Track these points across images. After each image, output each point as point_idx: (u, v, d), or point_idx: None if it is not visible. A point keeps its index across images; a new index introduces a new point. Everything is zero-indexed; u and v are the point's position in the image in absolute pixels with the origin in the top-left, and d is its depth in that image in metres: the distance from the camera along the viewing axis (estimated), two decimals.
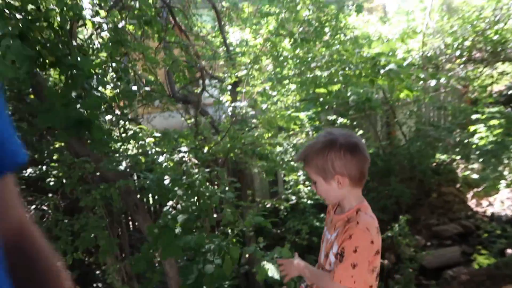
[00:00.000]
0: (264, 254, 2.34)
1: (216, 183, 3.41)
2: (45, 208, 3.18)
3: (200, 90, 4.22)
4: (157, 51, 4.54)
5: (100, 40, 2.56)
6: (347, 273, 1.49)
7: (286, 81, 4.89)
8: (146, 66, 3.81)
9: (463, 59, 8.52)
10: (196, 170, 2.80)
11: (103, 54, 2.73)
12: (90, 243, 2.92)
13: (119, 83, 2.81)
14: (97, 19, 2.42)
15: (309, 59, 5.58)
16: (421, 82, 7.90)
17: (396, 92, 4.21)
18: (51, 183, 3.20)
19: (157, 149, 2.99)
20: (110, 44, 2.51)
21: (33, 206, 3.15)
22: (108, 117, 3.49)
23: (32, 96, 3.67)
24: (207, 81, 5.65)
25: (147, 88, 3.00)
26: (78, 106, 2.16)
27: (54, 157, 3.40)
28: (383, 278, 5.52)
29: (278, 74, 5.46)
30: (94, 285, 4.75)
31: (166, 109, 4.50)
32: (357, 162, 1.56)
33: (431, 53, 8.45)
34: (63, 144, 3.65)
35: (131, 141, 3.30)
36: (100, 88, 2.39)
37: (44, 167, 3.22)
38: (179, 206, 2.63)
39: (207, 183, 2.80)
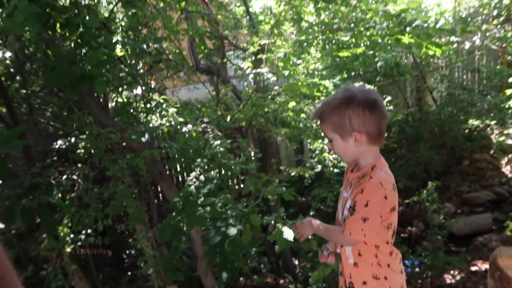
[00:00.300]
0: (285, 222, 2.36)
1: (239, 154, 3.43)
2: (75, 177, 3.32)
3: (221, 58, 4.19)
4: (179, 21, 4.53)
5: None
6: (357, 225, 1.49)
7: (310, 48, 4.78)
8: (168, 36, 3.81)
9: (501, 19, 8.02)
10: (219, 142, 2.82)
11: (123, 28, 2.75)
12: (119, 209, 3.04)
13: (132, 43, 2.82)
14: None
15: (333, 23, 5.41)
16: (454, 45, 7.56)
17: (423, 50, 4.03)
18: (80, 154, 3.33)
19: (180, 119, 3.03)
20: (120, 4, 2.52)
21: (64, 176, 3.30)
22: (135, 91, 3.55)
23: None
24: (231, 52, 5.61)
25: (156, 46, 2.98)
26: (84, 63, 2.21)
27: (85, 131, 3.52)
28: (411, 245, 5.50)
29: (302, 41, 5.34)
30: (127, 251, 4.99)
31: (191, 81, 4.52)
32: (376, 119, 1.50)
33: (466, 13, 8.01)
34: (90, 117, 3.76)
35: (156, 112, 3.36)
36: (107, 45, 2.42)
37: (73, 139, 3.34)
38: (202, 177, 2.68)
39: (230, 155, 2.82)
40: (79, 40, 2.22)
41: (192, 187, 2.40)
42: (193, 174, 2.61)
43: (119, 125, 2.97)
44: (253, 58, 4.77)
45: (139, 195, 3.85)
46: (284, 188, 2.49)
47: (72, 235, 3.31)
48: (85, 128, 3.24)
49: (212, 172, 2.62)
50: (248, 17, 5.41)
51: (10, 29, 1.90)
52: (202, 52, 4.77)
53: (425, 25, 3.91)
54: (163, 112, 3.13)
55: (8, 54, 3.44)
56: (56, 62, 2.24)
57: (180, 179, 5.94)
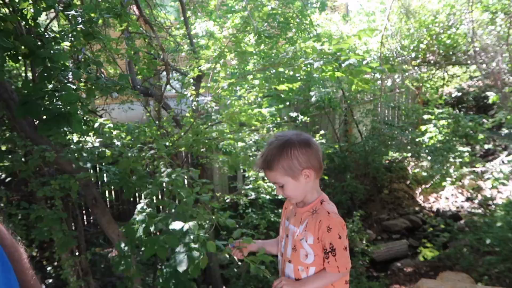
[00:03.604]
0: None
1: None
2: None
3: (164, 84, 4.16)
4: (119, 41, 4.43)
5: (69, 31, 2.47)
6: (344, 258, 1.62)
7: (250, 77, 4.92)
8: (109, 57, 3.72)
9: (418, 61, 8.88)
10: (169, 170, 2.75)
11: (66, 44, 2.64)
12: (46, 235, 2.82)
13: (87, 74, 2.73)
14: (72, 12, 2.37)
15: (273, 54, 5.63)
16: (378, 82, 8.22)
17: (354, 86, 4.39)
18: (2, 176, 3.07)
19: (125, 141, 2.94)
20: (82, 36, 2.45)
21: None
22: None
23: None
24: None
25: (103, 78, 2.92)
26: (56, 99, 2.11)
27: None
28: None
29: (242, 69, 5.47)
30: (45, 281, 4.61)
31: (130, 101, 4.41)
32: (315, 153, 1.67)
33: (389, 54, 8.77)
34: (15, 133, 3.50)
35: (92, 133, 3.21)
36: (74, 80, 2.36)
37: None
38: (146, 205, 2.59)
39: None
40: (45, 74, 2.11)
41: (144, 214, 2.32)
42: (143, 201, 2.53)
43: (53, 146, 2.80)
44: (192, 81, 4.79)
45: (66, 220, 3.62)
46: (231, 220, 2.52)
47: None
48: (17, 142, 2.97)
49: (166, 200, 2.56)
50: (188, 40, 5.43)
51: None
52: (142, 74, 4.69)
53: (355, 62, 4.26)
54: (107, 134, 3.01)
55: None
56: (27, 96, 2.10)
57: (113, 204, 5.67)
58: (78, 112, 2.20)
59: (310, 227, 1.67)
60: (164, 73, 5.03)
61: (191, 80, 4.74)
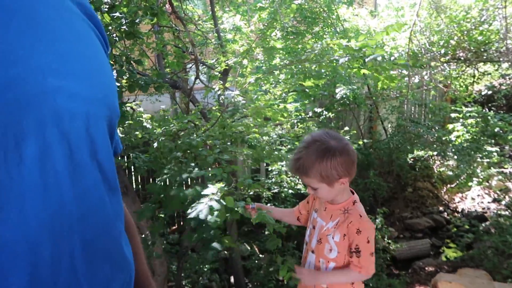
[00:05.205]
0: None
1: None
2: None
3: (193, 78, 4.25)
4: (150, 35, 4.54)
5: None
6: (370, 262, 1.66)
7: (277, 72, 4.96)
8: (140, 50, 3.83)
9: (447, 57, 8.69)
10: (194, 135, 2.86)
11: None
12: None
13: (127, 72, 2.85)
14: (116, 14, 2.48)
15: (299, 49, 5.65)
16: (406, 79, 8.10)
17: (380, 84, 4.35)
18: None
19: (155, 124, 3.05)
20: (124, 35, 2.56)
21: None
22: None
23: None
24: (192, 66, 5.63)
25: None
26: None
27: None
28: None
29: (268, 64, 5.51)
30: None
31: (161, 93, 4.53)
32: (353, 160, 1.67)
33: (417, 50, 8.61)
34: None
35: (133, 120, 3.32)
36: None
37: None
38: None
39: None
40: None
41: (166, 172, 2.42)
42: (168, 165, 2.63)
43: None
44: (219, 75, 4.86)
45: None
46: (251, 180, 2.59)
47: None
48: None
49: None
50: (215, 34, 5.49)
51: None
52: (172, 67, 4.80)
53: (380, 58, 4.23)
54: (137, 119, 3.13)
55: None
56: None
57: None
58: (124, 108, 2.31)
59: (339, 224, 1.71)
60: (192, 66, 5.13)
61: (218, 74, 4.82)
